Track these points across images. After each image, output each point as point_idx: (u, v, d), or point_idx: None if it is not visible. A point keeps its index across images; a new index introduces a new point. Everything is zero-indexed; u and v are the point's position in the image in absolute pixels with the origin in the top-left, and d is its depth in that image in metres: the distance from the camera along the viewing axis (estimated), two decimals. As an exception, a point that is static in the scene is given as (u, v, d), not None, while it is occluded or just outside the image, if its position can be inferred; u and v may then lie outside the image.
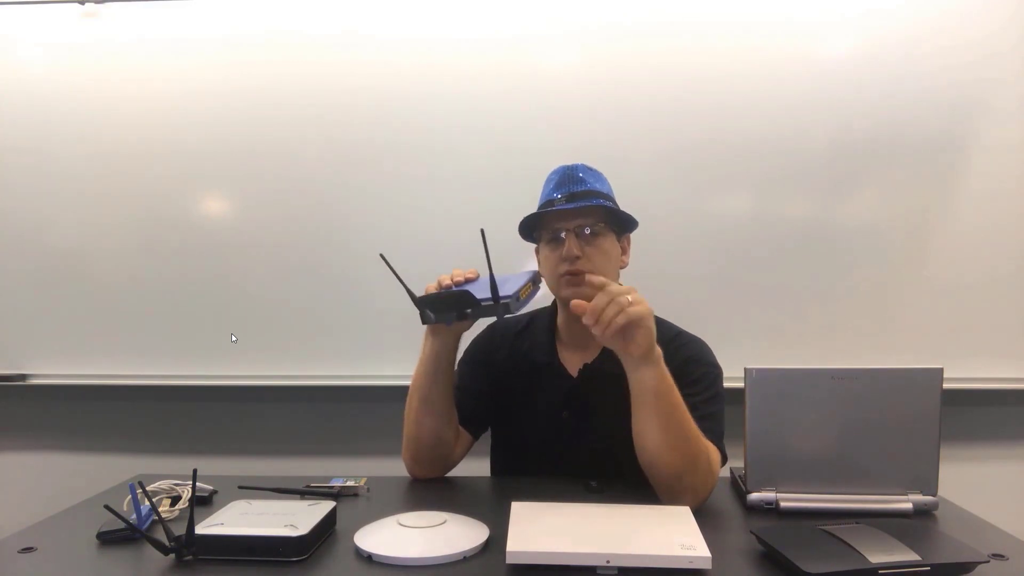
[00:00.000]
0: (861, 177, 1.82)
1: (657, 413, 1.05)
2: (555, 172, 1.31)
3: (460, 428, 1.30)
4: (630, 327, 1.00)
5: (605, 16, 1.84)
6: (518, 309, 1.04)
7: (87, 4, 1.93)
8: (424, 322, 1.10)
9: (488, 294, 1.03)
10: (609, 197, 1.28)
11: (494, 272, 1.04)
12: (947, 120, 1.80)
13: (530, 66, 1.87)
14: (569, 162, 1.32)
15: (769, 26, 1.81)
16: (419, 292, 1.11)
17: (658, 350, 1.05)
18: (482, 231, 1.00)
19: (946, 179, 1.81)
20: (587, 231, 1.22)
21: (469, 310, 1.03)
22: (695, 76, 1.83)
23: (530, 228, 1.30)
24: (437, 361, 1.19)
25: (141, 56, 1.92)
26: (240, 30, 1.91)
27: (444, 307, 1.06)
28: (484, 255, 1.03)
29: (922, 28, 1.79)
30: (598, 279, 1.03)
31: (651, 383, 1.04)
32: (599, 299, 1.01)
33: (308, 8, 1.89)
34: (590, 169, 1.31)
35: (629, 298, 1.00)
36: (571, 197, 1.23)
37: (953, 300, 1.82)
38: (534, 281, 1.13)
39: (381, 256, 1.04)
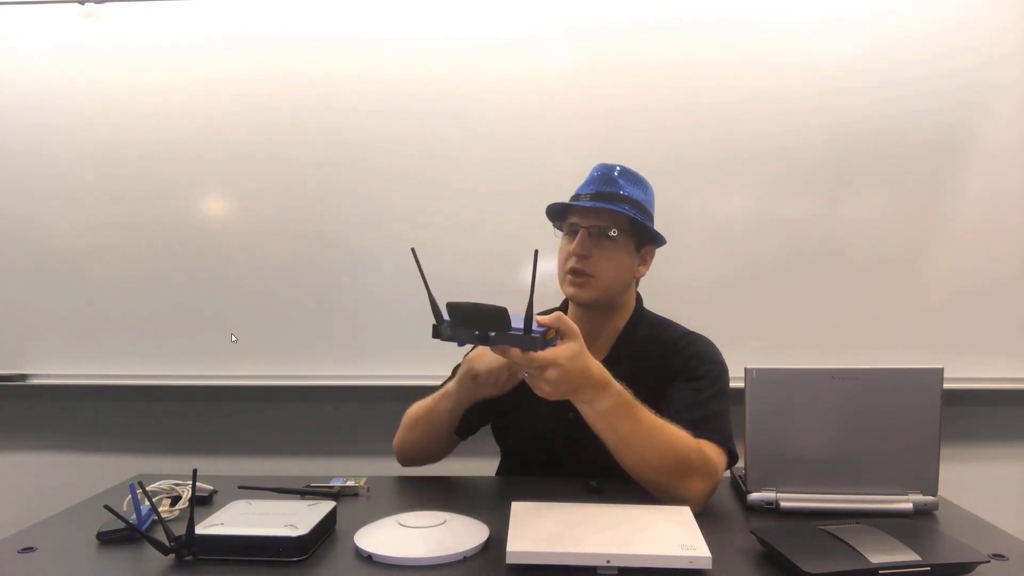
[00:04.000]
0: (862, 178, 1.82)
1: (617, 441, 1.05)
2: (596, 167, 1.30)
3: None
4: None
5: (604, 17, 1.84)
6: (543, 349, 0.93)
7: (87, 4, 1.93)
8: (436, 335, 0.94)
9: (518, 324, 0.91)
10: (640, 205, 1.26)
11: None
12: (948, 122, 1.79)
13: (530, 68, 1.86)
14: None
15: (770, 28, 1.81)
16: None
17: (590, 387, 1.00)
18: (535, 252, 0.89)
19: (947, 180, 1.81)
20: (605, 233, 1.22)
21: (493, 333, 0.91)
22: (696, 77, 1.83)
23: (555, 216, 1.32)
24: (448, 411, 1.23)
25: (141, 56, 1.92)
26: (241, 31, 1.90)
27: (468, 322, 0.93)
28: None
29: (924, 31, 1.78)
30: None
31: (593, 419, 1.04)
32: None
33: (309, 9, 1.89)
34: (630, 173, 1.29)
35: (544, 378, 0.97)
36: (596, 196, 1.24)
37: (953, 300, 1.82)
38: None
39: (412, 251, 0.94)
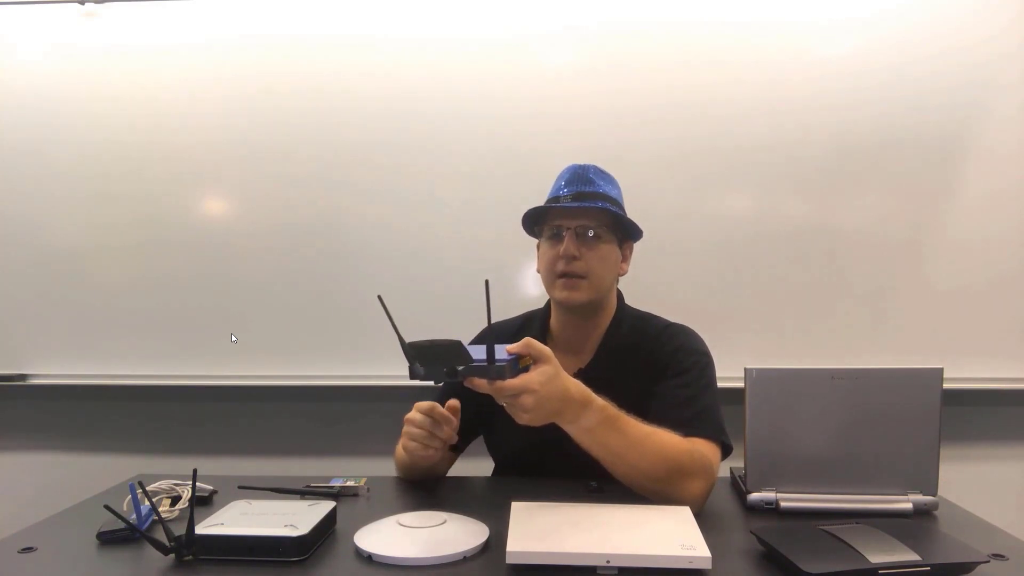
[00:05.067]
0: (862, 178, 1.82)
1: (607, 455, 1.03)
2: (567, 169, 1.30)
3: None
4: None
5: (604, 16, 1.84)
6: (513, 375, 0.91)
7: (87, 4, 1.93)
8: (412, 376, 0.93)
9: (483, 355, 0.91)
10: (617, 202, 1.27)
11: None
12: (947, 122, 1.80)
13: (530, 67, 1.87)
14: (571, 162, 1.31)
15: (770, 27, 1.81)
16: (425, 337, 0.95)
17: (571, 409, 0.98)
18: (487, 282, 0.89)
19: (946, 180, 1.81)
20: (589, 233, 1.22)
21: (460, 367, 0.90)
22: (696, 77, 1.83)
23: (532, 222, 1.30)
24: (427, 461, 1.18)
25: (141, 56, 1.92)
26: (241, 31, 1.91)
27: (434, 359, 0.92)
28: (483, 297, 0.89)
29: (924, 31, 1.79)
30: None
31: (579, 437, 1.02)
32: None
33: (308, 9, 1.89)
34: (602, 172, 1.30)
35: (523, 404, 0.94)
36: (578, 196, 1.23)
37: (953, 300, 1.82)
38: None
39: (379, 298, 0.94)
